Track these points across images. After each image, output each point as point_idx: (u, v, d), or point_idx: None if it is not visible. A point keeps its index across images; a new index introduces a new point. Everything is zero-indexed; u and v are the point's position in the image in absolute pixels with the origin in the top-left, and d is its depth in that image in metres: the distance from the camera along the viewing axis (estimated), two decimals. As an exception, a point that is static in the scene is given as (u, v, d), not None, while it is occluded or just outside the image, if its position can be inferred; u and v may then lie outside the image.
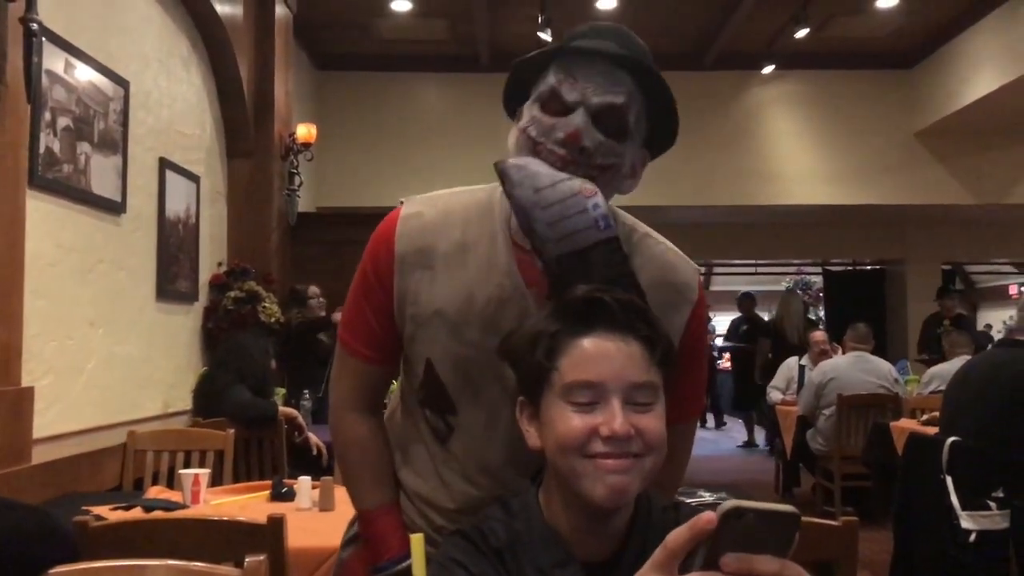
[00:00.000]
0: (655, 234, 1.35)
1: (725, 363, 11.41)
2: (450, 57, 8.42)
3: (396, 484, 1.39)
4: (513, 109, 1.32)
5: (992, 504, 2.67)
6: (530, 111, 1.25)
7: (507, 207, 1.27)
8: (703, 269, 13.76)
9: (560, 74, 1.23)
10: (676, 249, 1.35)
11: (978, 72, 7.53)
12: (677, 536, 0.72)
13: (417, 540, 1.06)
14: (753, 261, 12.95)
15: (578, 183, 1.19)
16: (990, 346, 3.49)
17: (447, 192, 1.35)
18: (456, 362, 1.28)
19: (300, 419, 4.42)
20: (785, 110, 8.77)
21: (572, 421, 1.06)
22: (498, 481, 1.29)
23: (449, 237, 1.29)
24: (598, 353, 1.07)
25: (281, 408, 4.34)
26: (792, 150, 8.74)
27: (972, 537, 2.66)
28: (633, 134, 1.26)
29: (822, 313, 12.29)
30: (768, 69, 8.33)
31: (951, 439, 2.82)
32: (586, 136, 1.20)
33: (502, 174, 1.21)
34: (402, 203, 1.34)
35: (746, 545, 0.70)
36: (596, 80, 1.21)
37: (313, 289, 5.71)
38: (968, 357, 4.88)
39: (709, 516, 0.70)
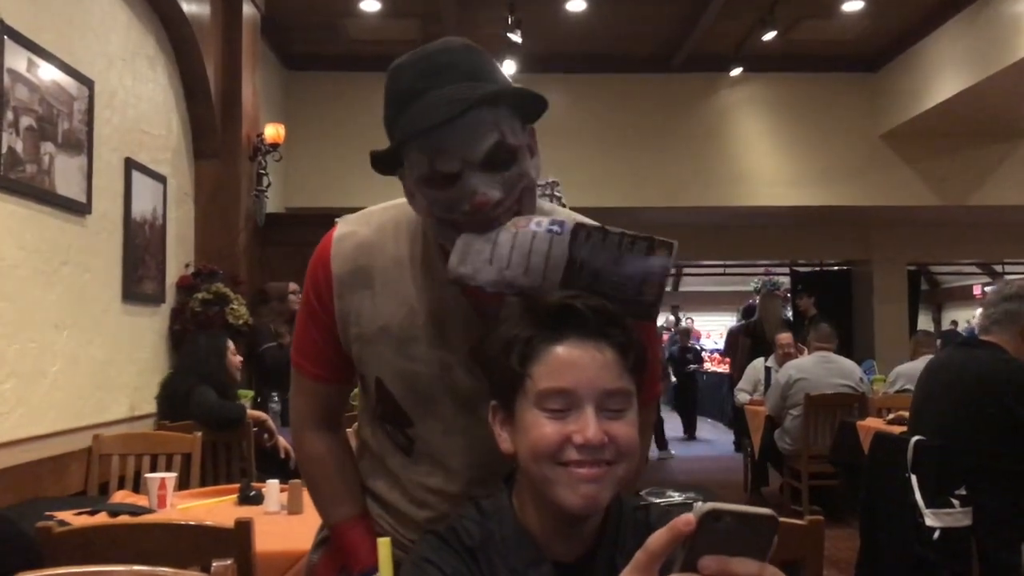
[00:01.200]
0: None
1: None
2: (419, 58, 8.40)
3: (363, 495, 1.39)
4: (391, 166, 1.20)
5: (955, 502, 2.70)
6: (419, 191, 1.16)
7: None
8: (673, 270, 13.83)
9: (425, 153, 1.12)
10: None
11: (942, 75, 7.64)
12: (657, 538, 0.71)
13: (384, 544, 1.06)
14: (721, 262, 13.04)
15: (508, 224, 1.13)
16: (947, 347, 3.54)
17: (379, 208, 1.34)
18: (404, 378, 1.28)
19: (270, 423, 4.38)
20: (753, 112, 8.84)
21: (545, 428, 1.05)
22: (462, 489, 1.29)
23: (385, 253, 1.27)
24: (571, 360, 1.06)
25: (250, 411, 4.30)
26: (759, 152, 8.81)
27: (936, 534, 2.69)
28: (519, 143, 1.16)
29: (789, 313, 12.41)
30: (736, 72, 8.39)
31: (915, 438, 2.85)
32: (489, 191, 1.12)
33: (462, 279, 1.13)
34: (336, 223, 1.33)
35: (724, 547, 0.69)
36: (462, 136, 1.10)
37: (292, 285, 5.64)
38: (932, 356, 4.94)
39: (687, 518, 0.69)
